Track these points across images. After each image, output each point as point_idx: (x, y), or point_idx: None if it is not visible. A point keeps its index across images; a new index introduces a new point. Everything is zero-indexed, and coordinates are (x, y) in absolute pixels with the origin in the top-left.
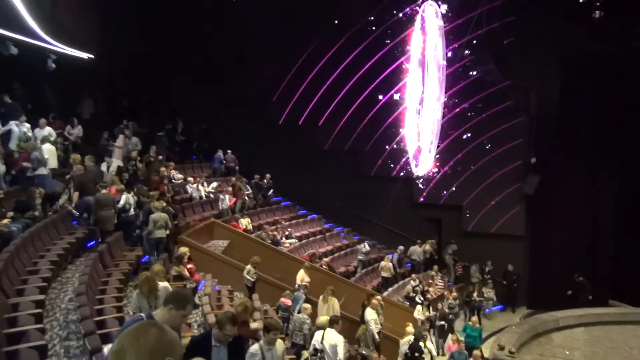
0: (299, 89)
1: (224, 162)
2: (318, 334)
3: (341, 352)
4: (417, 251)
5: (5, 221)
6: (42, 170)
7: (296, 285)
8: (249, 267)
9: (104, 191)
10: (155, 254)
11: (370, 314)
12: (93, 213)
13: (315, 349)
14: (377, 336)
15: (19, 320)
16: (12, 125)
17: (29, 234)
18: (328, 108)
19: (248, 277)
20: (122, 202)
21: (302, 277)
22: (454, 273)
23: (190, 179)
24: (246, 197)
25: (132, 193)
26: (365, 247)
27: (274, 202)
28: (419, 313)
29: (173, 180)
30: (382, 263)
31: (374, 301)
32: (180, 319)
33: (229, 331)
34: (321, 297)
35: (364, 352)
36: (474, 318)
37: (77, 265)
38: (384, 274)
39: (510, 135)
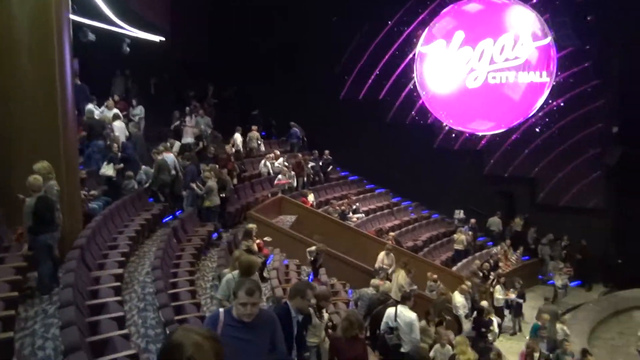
0: (378, 65)
1: (300, 136)
2: (390, 311)
3: (417, 329)
4: (496, 222)
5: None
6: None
7: (376, 267)
8: (312, 248)
9: (159, 157)
10: (215, 221)
11: (458, 299)
12: (154, 178)
13: (390, 327)
14: (464, 323)
15: (100, 292)
16: (91, 106)
17: (109, 211)
18: (405, 84)
19: (309, 256)
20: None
21: (382, 258)
22: (561, 272)
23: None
24: (310, 173)
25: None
26: (461, 214)
27: (341, 177)
28: (499, 293)
29: (258, 152)
30: (455, 235)
31: (464, 286)
32: (241, 308)
33: (310, 296)
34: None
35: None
36: (546, 316)
37: (153, 240)
38: (457, 246)
39: (590, 116)
